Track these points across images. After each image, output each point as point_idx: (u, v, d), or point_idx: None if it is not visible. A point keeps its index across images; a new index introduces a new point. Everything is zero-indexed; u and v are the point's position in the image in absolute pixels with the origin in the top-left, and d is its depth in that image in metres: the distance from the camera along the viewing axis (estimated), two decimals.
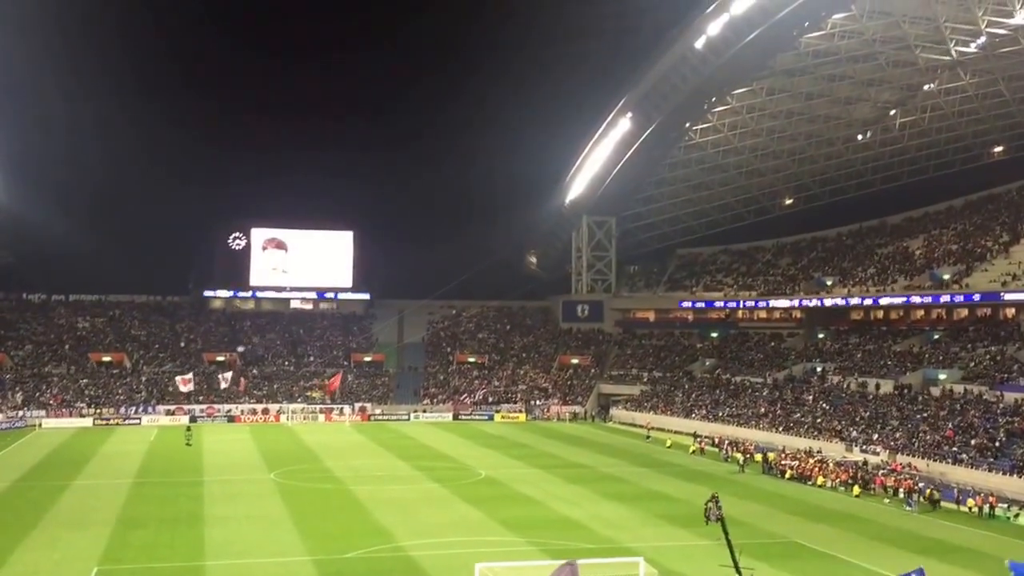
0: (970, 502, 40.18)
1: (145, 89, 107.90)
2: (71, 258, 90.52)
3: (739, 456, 53.22)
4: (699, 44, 65.51)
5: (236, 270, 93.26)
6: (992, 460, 45.78)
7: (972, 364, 59.05)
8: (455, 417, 79.09)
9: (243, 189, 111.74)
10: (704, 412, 70.51)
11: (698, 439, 60.50)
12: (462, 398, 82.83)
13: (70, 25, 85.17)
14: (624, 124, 77.50)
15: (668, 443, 61.85)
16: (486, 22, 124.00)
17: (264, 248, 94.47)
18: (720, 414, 68.57)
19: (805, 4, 58.35)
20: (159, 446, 59.25)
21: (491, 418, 78.99)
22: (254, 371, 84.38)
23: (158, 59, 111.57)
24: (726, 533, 29.86)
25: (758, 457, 52.80)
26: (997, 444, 47.06)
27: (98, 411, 73.53)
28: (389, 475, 47.95)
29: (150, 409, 74.85)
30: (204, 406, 75.84)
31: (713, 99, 74.32)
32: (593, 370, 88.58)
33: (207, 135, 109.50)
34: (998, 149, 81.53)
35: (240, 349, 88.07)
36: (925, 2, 59.42)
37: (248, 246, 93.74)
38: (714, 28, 63.43)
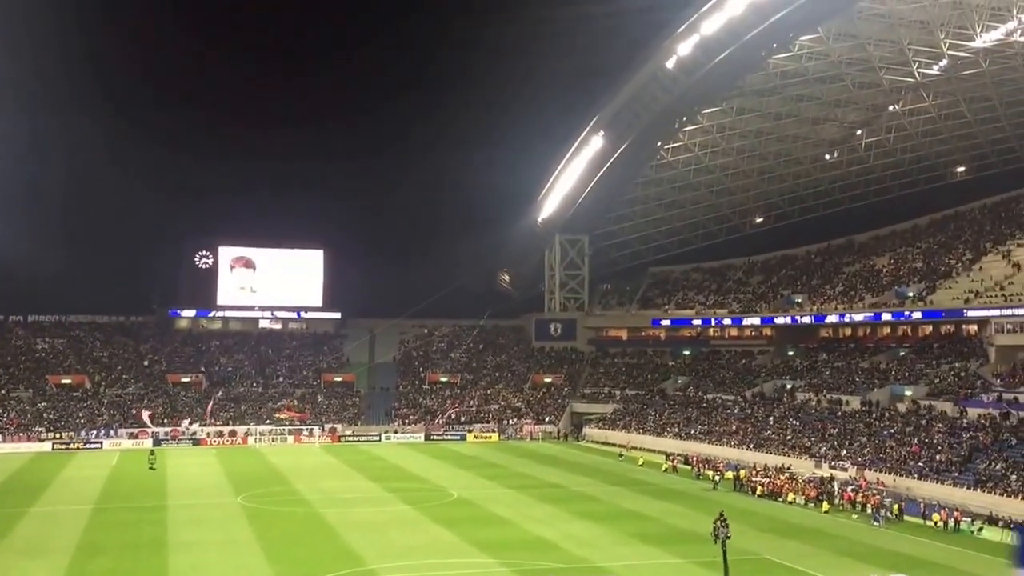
0: (935, 516, 40.54)
1: (108, 104, 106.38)
2: (29, 277, 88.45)
3: (710, 473, 53.23)
4: (670, 64, 66.07)
5: (203, 289, 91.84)
6: (956, 475, 46.22)
7: (937, 380, 59.76)
8: (427, 437, 78.30)
9: (210, 206, 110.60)
10: (676, 430, 70.50)
11: (670, 457, 60.44)
12: (435, 420, 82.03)
13: (30, 37, 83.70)
14: (596, 142, 77.83)
15: (640, 461, 61.70)
16: (458, 40, 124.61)
17: (232, 267, 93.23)
18: (692, 432, 68.59)
19: (773, 25, 59.07)
20: (121, 470, 57.90)
21: (463, 438, 78.31)
22: (219, 393, 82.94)
23: (122, 73, 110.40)
24: (724, 553, 30.04)
25: (729, 475, 52.82)
26: (961, 459, 47.53)
27: (57, 435, 71.71)
28: (359, 497, 47.22)
29: (112, 432, 73.12)
30: (168, 429, 74.31)
31: (684, 118, 74.94)
32: (566, 389, 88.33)
33: (173, 151, 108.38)
34: (960, 169, 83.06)
35: (204, 369, 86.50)
36: (889, 25, 60.47)
37: (215, 265, 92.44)
38: (684, 48, 64.01)
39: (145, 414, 74.03)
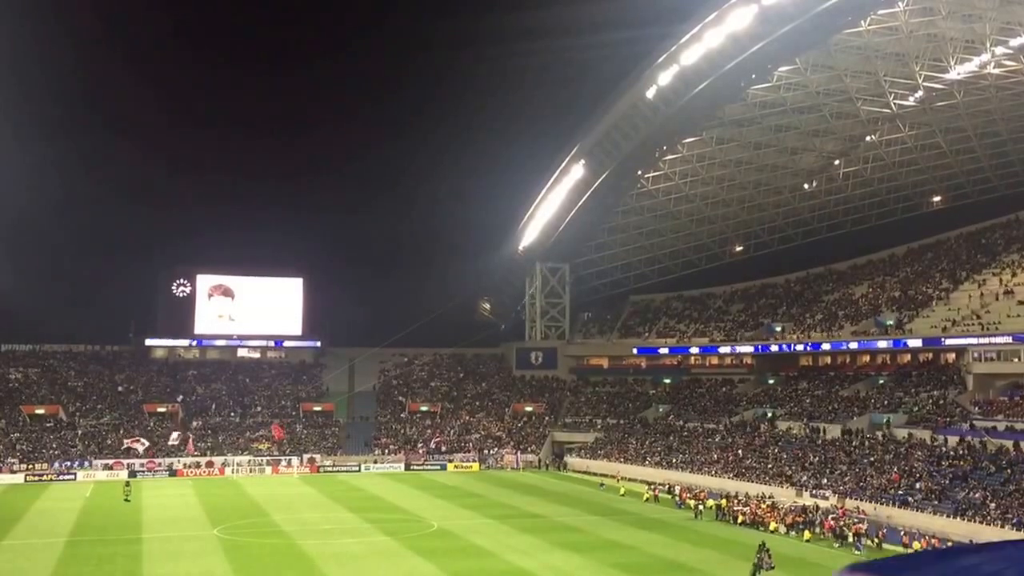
0: (916, 545, 40.47)
1: (83, 130, 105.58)
2: (2, 306, 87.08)
3: (692, 503, 52.94)
4: (650, 94, 66.74)
5: (180, 318, 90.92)
6: (936, 503, 46.25)
7: (915, 408, 59.99)
8: (407, 467, 77.48)
9: (188, 234, 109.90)
10: (658, 459, 70.22)
11: (651, 486, 60.10)
12: (418, 448, 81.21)
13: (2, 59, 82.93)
14: (577, 171, 78.20)
15: (622, 491, 61.31)
16: (438, 70, 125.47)
17: (210, 295, 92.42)
18: (673, 461, 68.32)
19: (751, 56, 59.95)
20: (95, 502, 56.75)
21: (444, 468, 77.57)
22: (197, 423, 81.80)
23: (94, 99, 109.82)
24: None
25: (710, 503, 52.58)
26: (941, 487, 47.61)
27: (30, 466, 70.29)
28: (338, 528, 46.51)
29: (86, 463, 71.82)
30: (144, 460, 73.08)
31: (664, 147, 75.57)
32: (547, 418, 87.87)
33: (150, 179, 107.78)
34: (937, 199, 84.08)
35: (180, 398, 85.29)
36: (865, 57, 61.48)
37: (193, 293, 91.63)
38: (664, 78, 64.71)
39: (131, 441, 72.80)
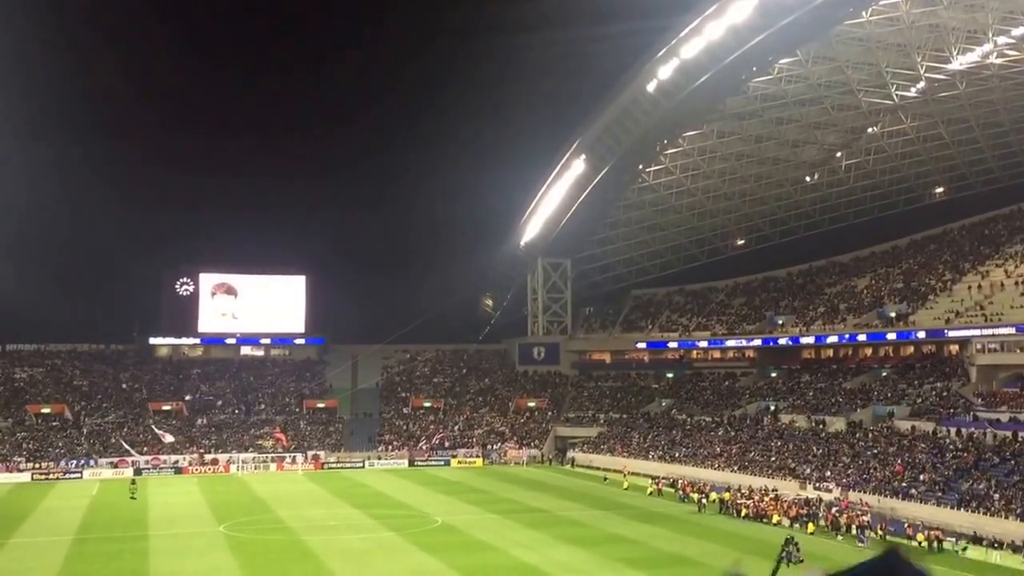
0: (920, 536, 40.54)
1: (85, 131, 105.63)
2: (7, 306, 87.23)
3: (696, 496, 53.02)
4: (650, 87, 66.62)
5: (184, 316, 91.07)
6: (940, 495, 46.27)
7: (919, 400, 59.96)
8: (411, 463, 77.63)
9: (191, 233, 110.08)
10: (661, 453, 70.27)
11: (655, 480, 60.14)
12: (419, 445, 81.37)
13: (4, 59, 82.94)
14: (578, 166, 78.15)
15: (625, 485, 61.38)
16: (438, 66, 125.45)
17: (213, 294, 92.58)
18: (676, 454, 68.37)
19: (752, 49, 59.76)
20: (102, 500, 56.97)
21: (447, 463, 77.71)
22: (202, 420, 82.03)
23: (98, 100, 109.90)
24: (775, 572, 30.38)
25: (714, 497, 52.65)
26: (944, 479, 47.61)
27: (37, 465, 70.55)
28: (343, 524, 46.66)
29: (92, 462, 72.07)
30: (149, 457, 73.32)
31: (665, 141, 75.48)
32: (550, 413, 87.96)
33: (152, 177, 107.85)
34: (939, 190, 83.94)
35: (188, 398, 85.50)
36: (866, 48, 61.33)
37: (196, 292, 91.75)
38: (665, 72, 64.59)
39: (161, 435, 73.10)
